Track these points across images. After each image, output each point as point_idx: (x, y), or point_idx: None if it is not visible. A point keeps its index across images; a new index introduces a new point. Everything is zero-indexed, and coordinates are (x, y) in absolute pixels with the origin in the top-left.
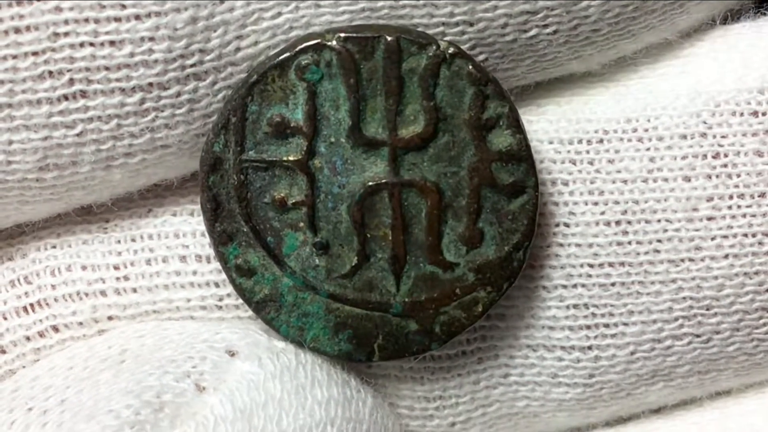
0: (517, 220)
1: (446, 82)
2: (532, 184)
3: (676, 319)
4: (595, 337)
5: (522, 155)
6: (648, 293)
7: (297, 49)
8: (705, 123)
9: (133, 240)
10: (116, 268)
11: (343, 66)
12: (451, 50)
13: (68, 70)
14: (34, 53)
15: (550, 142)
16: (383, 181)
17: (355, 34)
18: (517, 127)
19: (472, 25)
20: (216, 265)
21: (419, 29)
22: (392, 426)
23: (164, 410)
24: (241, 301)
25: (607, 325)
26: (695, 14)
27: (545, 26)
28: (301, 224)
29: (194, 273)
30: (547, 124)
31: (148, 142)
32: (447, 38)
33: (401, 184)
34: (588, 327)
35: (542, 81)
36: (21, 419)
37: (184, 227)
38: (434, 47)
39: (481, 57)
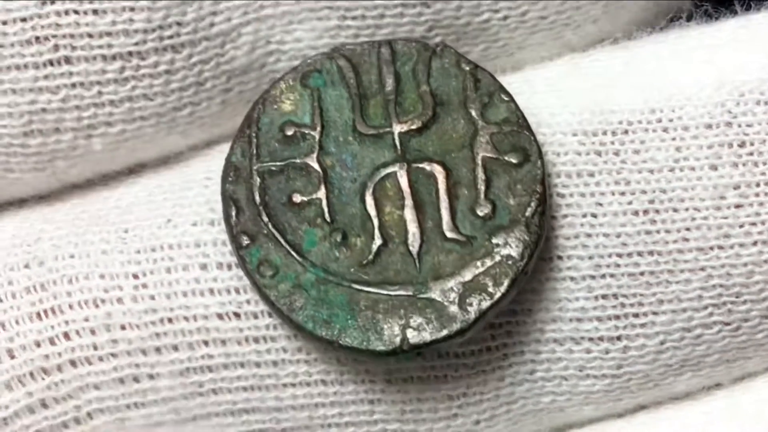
0: (528, 188)
1: (438, 71)
2: (535, 150)
3: (706, 307)
4: (624, 327)
5: (519, 124)
6: (677, 282)
7: (303, 63)
8: (730, 112)
9: (153, 250)
10: (135, 276)
11: (344, 73)
12: (439, 46)
13: (53, 36)
14: (23, 19)
15: (574, 134)
16: (393, 164)
17: (353, 47)
18: (510, 101)
19: (428, 6)
20: (237, 272)
21: (378, 9)
22: None
23: None
24: (260, 308)
25: (636, 315)
26: (635, 10)
27: (496, 11)
28: (319, 220)
29: (215, 280)
30: (570, 116)
31: (127, 111)
32: (405, 19)
33: (410, 164)
34: (617, 317)
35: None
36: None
37: (205, 236)
38: (423, 44)
39: (437, 39)
